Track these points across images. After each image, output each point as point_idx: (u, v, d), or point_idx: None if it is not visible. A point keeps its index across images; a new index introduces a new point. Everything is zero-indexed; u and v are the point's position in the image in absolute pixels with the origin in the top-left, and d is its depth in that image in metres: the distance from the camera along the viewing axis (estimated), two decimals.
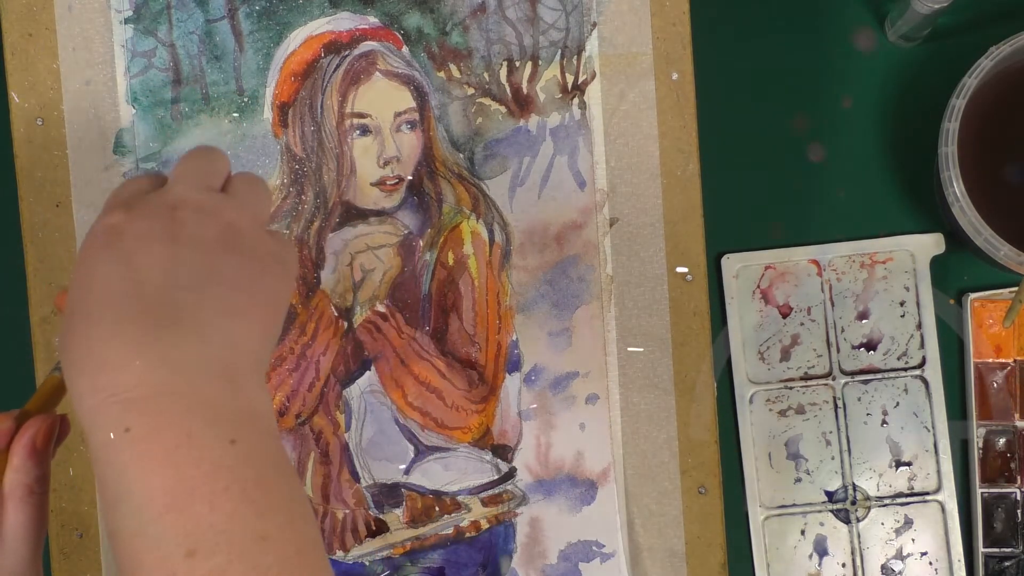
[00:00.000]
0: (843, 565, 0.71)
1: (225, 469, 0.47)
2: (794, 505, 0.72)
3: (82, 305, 0.49)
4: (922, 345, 0.72)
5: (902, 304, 0.72)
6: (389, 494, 0.69)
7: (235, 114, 0.68)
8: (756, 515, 0.71)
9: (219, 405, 0.48)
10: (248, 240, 0.52)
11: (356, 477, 0.69)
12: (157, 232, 0.50)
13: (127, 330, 0.48)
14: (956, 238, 0.70)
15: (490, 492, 0.70)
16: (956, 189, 0.65)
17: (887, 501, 0.72)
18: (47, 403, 0.54)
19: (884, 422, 0.72)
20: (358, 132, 0.69)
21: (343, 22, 0.69)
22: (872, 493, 0.72)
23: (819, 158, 0.72)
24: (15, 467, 0.53)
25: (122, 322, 0.48)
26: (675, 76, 0.69)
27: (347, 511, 0.69)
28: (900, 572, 0.71)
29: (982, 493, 0.71)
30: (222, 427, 0.48)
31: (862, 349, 0.72)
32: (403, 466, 0.69)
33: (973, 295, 0.71)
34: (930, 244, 0.71)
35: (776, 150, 0.72)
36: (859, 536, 0.72)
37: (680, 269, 0.69)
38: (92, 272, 0.50)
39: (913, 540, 0.71)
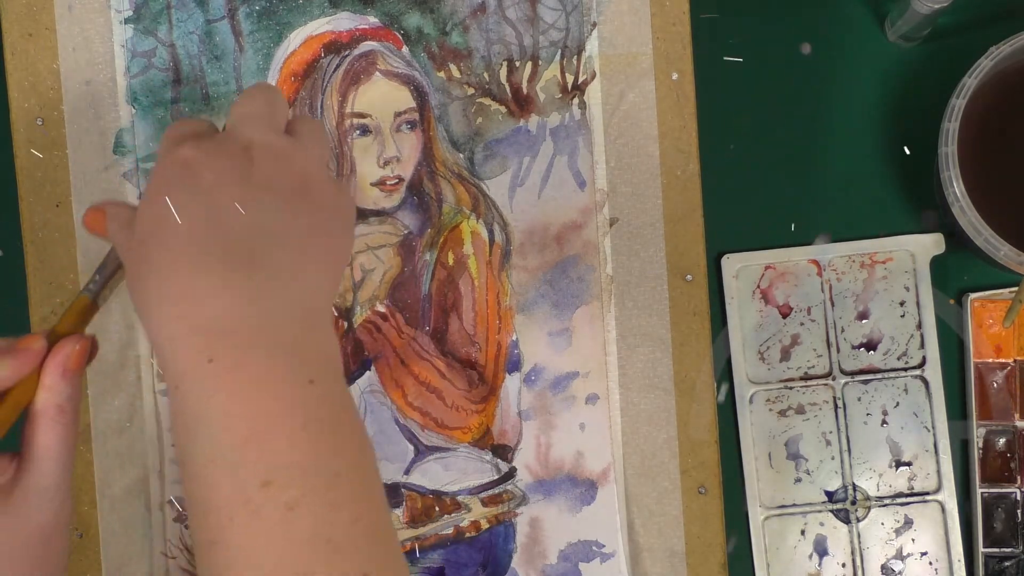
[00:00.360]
0: (843, 565, 0.71)
1: (303, 407, 0.48)
2: (794, 505, 0.72)
3: (161, 236, 0.50)
4: (922, 345, 0.72)
5: (902, 304, 0.72)
6: (389, 494, 0.69)
7: None
8: (756, 515, 0.71)
9: (299, 346, 0.49)
10: (317, 187, 0.53)
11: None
12: (235, 173, 0.51)
13: (213, 265, 0.49)
14: (956, 238, 0.70)
15: (490, 492, 0.70)
16: (956, 189, 0.65)
17: (887, 501, 0.72)
18: (77, 324, 0.55)
19: (884, 422, 0.72)
20: (358, 132, 0.69)
21: (343, 22, 0.69)
22: (872, 493, 0.72)
23: (819, 158, 0.72)
24: (47, 387, 0.53)
25: (208, 256, 0.49)
26: (675, 76, 0.69)
27: None
28: (900, 572, 0.71)
29: (982, 493, 0.71)
30: (302, 367, 0.49)
31: (862, 349, 0.72)
32: (403, 466, 0.69)
33: (973, 295, 0.71)
34: (930, 244, 0.72)
35: (776, 150, 0.72)
36: (859, 536, 0.72)
37: (687, 278, 0.69)
38: (169, 207, 0.50)
39: (913, 540, 0.71)
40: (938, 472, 0.72)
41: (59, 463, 0.53)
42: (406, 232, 0.69)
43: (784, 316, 0.72)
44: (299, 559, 0.47)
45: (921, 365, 0.72)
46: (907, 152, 0.72)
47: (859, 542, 0.72)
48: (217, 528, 0.47)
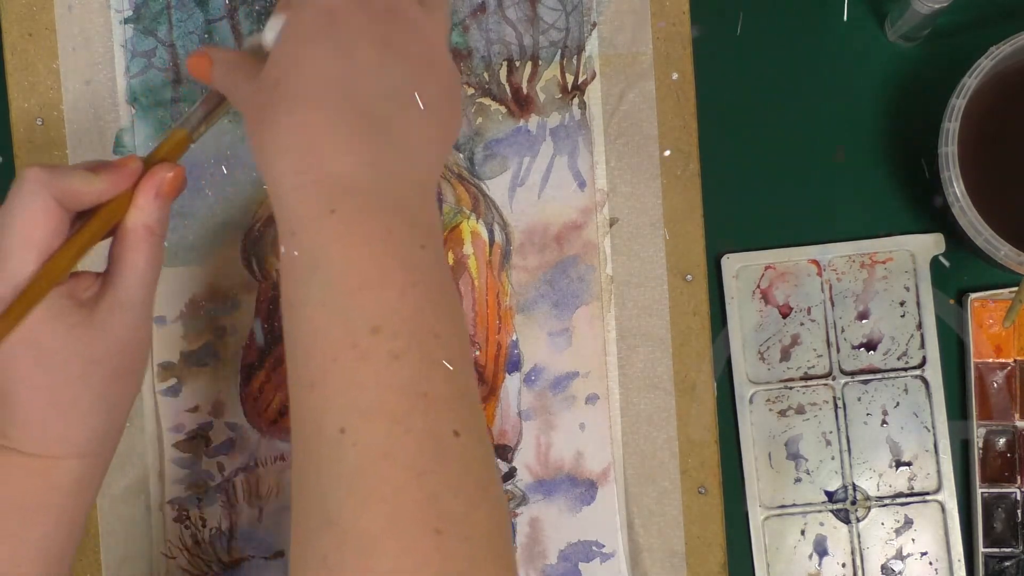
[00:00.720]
0: (843, 565, 0.71)
1: (414, 267, 0.50)
2: (794, 505, 0.72)
3: (294, 86, 0.51)
4: (922, 345, 0.72)
5: (902, 304, 0.72)
6: None
7: (235, 114, 0.68)
8: (756, 515, 0.71)
9: (414, 212, 0.51)
10: (440, 63, 0.54)
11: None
12: (376, 33, 0.52)
13: (343, 125, 0.50)
14: (956, 238, 0.70)
15: None
16: (956, 189, 0.65)
17: (887, 501, 0.72)
18: (171, 155, 0.56)
19: (884, 422, 0.72)
20: None
21: None
22: (872, 493, 0.72)
23: (819, 158, 0.72)
24: (139, 206, 0.55)
25: (341, 115, 0.50)
26: (675, 76, 0.69)
27: None
28: (900, 572, 0.71)
29: (982, 493, 0.71)
30: (416, 232, 0.51)
31: (862, 349, 0.72)
32: None
33: (973, 295, 0.71)
34: (930, 244, 0.72)
35: (776, 150, 0.72)
36: (859, 536, 0.72)
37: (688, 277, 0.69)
38: (308, 53, 0.51)
39: (913, 540, 0.71)
40: (938, 472, 0.72)
41: (143, 281, 0.55)
42: None
43: (784, 316, 0.72)
44: (397, 407, 0.48)
45: (921, 365, 0.72)
46: (907, 152, 0.72)
47: (859, 542, 0.72)
48: (320, 370, 0.48)
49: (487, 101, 0.69)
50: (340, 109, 0.51)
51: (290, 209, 0.50)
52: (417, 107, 0.52)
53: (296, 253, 0.50)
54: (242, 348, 0.69)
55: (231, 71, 0.54)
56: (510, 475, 0.70)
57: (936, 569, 0.71)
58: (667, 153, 0.68)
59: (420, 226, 0.51)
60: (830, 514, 0.72)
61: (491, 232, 0.69)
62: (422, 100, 0.52)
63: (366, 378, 0.48)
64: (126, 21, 0.68)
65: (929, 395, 0.72)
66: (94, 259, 0.56)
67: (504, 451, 0.70)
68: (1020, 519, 0.71)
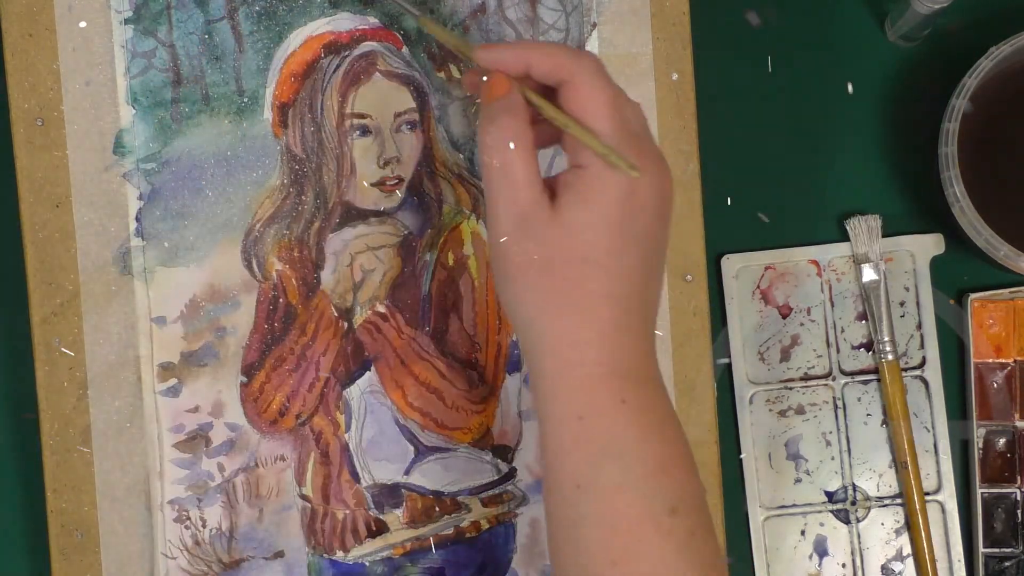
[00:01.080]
0: (843, 565, 0.71)
1: (688, 453, 0.54)
2: (794, 505, 0.72)
3: (607, 281, 0.53)
4: (922, 345, 0.72)
5: (902, 304, 0.72)
6: (389, 494, 0.69)
7: (235, 114, 0.68)
8: (756, 515, 0.71)
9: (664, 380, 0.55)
10: (667, 205, 0.56)
11: (356, 477, 0.69)
12: (657, 205, 0.54)
13: (640, 324, 0.54)
14: (956, 238, 0.70)
15: (490, 492, 0.70)
16: (956, 189, 0.65)
17: (887, 501, 0.72)
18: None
19: (884, 422, 0.72)
20: (358, 132, 0.69)
21: (343, 23, 0.69)
22: (872, 493, 0.72)
23: (819, 158, 0.72)
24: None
25: (640, 313, 0.54)
26: (675, 76, 0.69)
27: (347, 511, 0.69)
28: (900, 572, 0.71)
29: (982, 493, 0.71)
30: (674, 409, 0.55)
31: (862, 349, 0.72)
32: (403, 466, 0.69)
33: (973, 295, 0.71)
34: (930, 244, 0.72)
35: (776, 150, 0.72)
36: (859, 536, 0.72)
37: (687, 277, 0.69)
38: (628, 248, 0.53)
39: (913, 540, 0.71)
40: (938, 472, 0.72)
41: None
42: (406, 232, 0.69)
43: (784, 316, 0.72)
44: None
45: (921, 365, 0.72)
46: (907, 152, 0.72)
47: (859, 542, 0.72)
48: (623, 549, 0.52)
49: None
50: (642, 306, 0.54)
51: (577, 395, 0.53)
52: (658, 272, 0.56)
53: (584, 437, 0.53)
54: (242, 348, 0.69)
55: (531, 154, 0.54)
56: (510, 475, 0.70)
57: (936, 569, 0.71)
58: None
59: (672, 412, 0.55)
60: (830, 514, 0.72)
61: None
62: (660, 259, 0.55)
63: (671, 555, 0.52)
64: (126, 21, 0.68)
65: (929, 395, 0.72)
66: None
67: (504, 451, 0.70)
68: (1020, 519, 0.71)
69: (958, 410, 0.72)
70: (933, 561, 0.70)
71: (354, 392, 0.69)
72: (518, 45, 0.54)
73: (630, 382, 0.53)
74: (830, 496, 0.72)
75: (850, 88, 0.72)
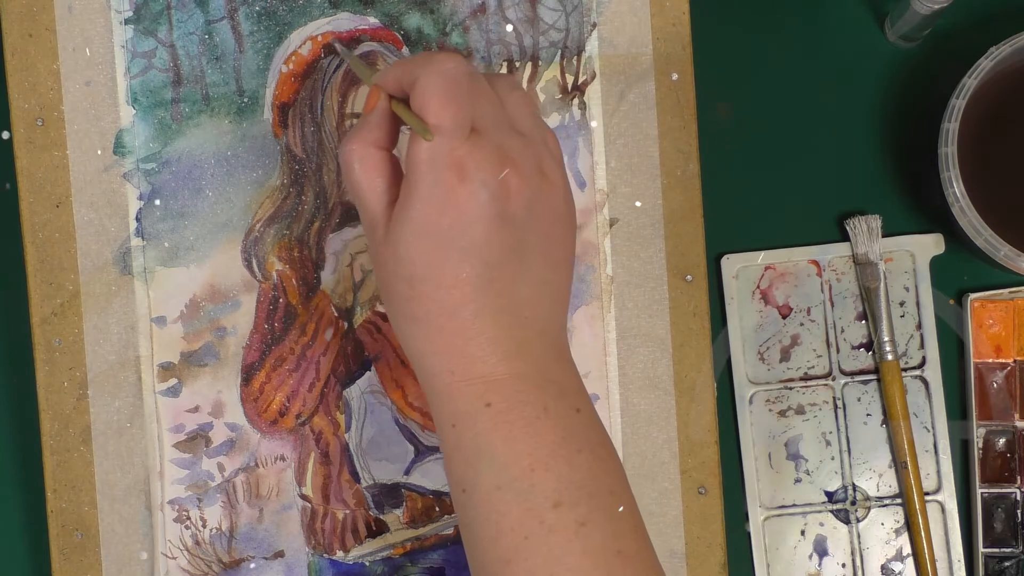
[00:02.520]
0: (843, 565, 0.71)
1: (575, 434, 0.53)
2: (794, 505, 0.72)
3: (433, 286, 0.52)
4: (922, 345, 0.72)
5: (902, 304, 0.72)
6: (389, 494, 0.69)
7: (235, 114, 0.68)
8: (756, 515, 0.71)
9: (561, 380, 0.55)
10: (560, 201, 0.56)
11: (356, 477, 0.69)
12: (496, 210, 0.53)
13: (486, 328, 0.53)
14: (956, 238, 0.70)
15: None
16: (956, 189, 0.65)
17: (887, 501, 0.72)
18: None
19: (884, 422, 0.72)
20: None
21: (343, 23, 0.69)
22: (872, 493, 0.72)
23: (819, 158, 0.72)
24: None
25: (481, 318, 0.53)
26: (675, 76, 0.69)
27: (347, 511, 0.69)
28: (900, 572, 0.71)
29: (982, 493, 0.71)
30: (568, 399, 0.54)
31: (862, 349, 0.72)
32: (403, 466, 0.69)
33: (973, 295, 0.71)
34: (930, 244, 0.72)
35: (776, 150, 0.72)
36: (859, 536, 0.72)
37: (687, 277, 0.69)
38: (451, 259, 0.52)
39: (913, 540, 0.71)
40: (938, 472, 0.72)
41: None
42: None
43: (784, 316, 0.72)
44: (596, 570, 0.52)
45: (921, 365, 0.72)
46: (907, 152, 0.72)
47: (859, 542, 0.72)
48: (511, 548, 0.52)
49: None
50: (483, 314, 0.53)
51: (445, 404, 0.53)
52: (545, 272, 0.55)
53: (457, 444, 0.53)
54: (242, 348, 0.69)
55: (377, 175, 0.55)
56: None
57: (936, 569, 0.71)
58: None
59: (568, 390, 0.55)
60: (830, 514, 0.72)
61: None
62: (546, 261, 0.55)
63: (560, 549, 0.52)
64: (126, 22, 0.69)
65: (929, 395, 0.72)
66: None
67: None
68: (1020, 519, 0.71)
69: (958, 410, 0.72)
70: (933, 561, 0.70)
71: (354, 392, 0.69)
72: (396, 64, 0.55)
73: (493, 385, 0.53)
74: (830, 496, 0.72)
75: (850, 88, 0.72)
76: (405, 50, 0.69)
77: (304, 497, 0.69)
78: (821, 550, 0.72)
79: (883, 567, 0.72)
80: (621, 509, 0.53)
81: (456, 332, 0.53)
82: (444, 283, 0.52)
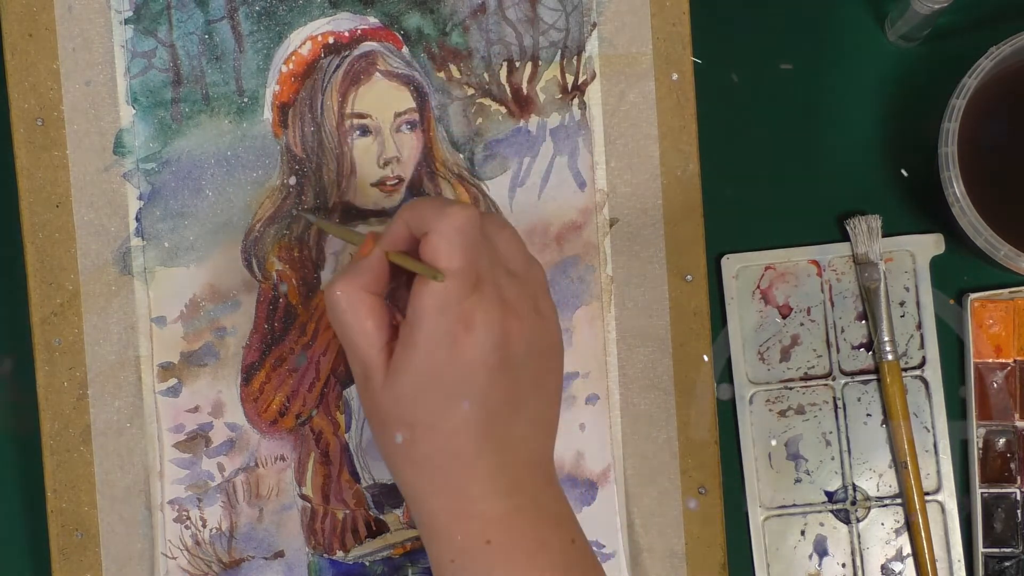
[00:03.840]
0: (843, 565, 0.71)
1: (573, 566, 0.55)
2: (794, 505, 0.72)
3: (438, 439, 0.54)
4: (922, 345, 0.72)
5: (902, 304, 0.72)
6: (389, 494, 0.69)
7: (235, 114, 0.68)
8: (756, 515, 0.71)
9: (556, 511, 0.56)
10: (553, 336, 0.58)
11: (356, 477, 0.69)
12: (498, 357, 0.54)
13: (485, 468, 0.54)
14: (956, 238, 0.70)
15: None
16: (956, 189, 0.65)
17: (887, 501, 0.72)
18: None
19: (884, 422, 0.72)
20: (358, 132, 0.69)
21: (343, 22, 0.69)
22: (872, 493, 0.72)
23: (819, 158, 0.72)
24: None
25: (481, 459, 0.54)
26: (675, 76, 0.69)
27: (347, 511, 0.69)
28: (900, 572, 0.71)
29: (982, 493, 0.71)
30: (564, 529, 0.56)
31: (862, 349, 0.72)
32: None
33: (973, 295, 0.71)
34: (930, 244, 0.72)
35: (776, 150, 0.72)
36: (859, 536, 0.72)
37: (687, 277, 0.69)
38: (445, 406, 0.53)
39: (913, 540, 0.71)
40: (938, 472, 0.72)
41: None
42: None
43: (784, 316, 0.72)
44: None
45: (921, 365, 0.72)
46: (907, 153, 0.72)
47: (859, 542, 0.72)
48: None
49: (487, 102, 0.69)
50: (483, 453, 0.54)
51: (444, 541, 0.54)
52: (538, 404, 0.56)
53: (465, 572, 0.54)
54: (242, 348, 0.69)
55: (367, 318, 0.55)
56: None
57: (936, 569, 0.71)
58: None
59: (563, 520, 0.56)
60: (830, 514, 0.72)
61: None
62: (541, 392, 0.56)
63: None
64: (126, 22, 0.69)
65: (929, 395, 0.72)
66: None
67: None
68: (1020, 519, 0.71)
69: (958, 410, 0.72)
70: (933, 561, 0.70)
71: (354, 392, 0.69)
72: (404, 209, 0.56)
73: (492, 522, 0.54)
74: (830, 496, 0.72)
75: (850, 88, 0.72)
76: (405, 50, 0.69)
77: (304, 497, 0.69)
78: (821, 550, 0.72)
79: (883, 567, 0.72)
80: None
81: (456, 473, 0.54)
82: (446, 429, 0.53)
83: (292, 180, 0.69)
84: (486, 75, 0.69)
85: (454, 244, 0.52)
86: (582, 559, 0.56)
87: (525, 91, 0.69)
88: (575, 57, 0.69)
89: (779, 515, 0.72)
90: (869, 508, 0.72)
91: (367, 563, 0.69)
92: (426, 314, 0.53)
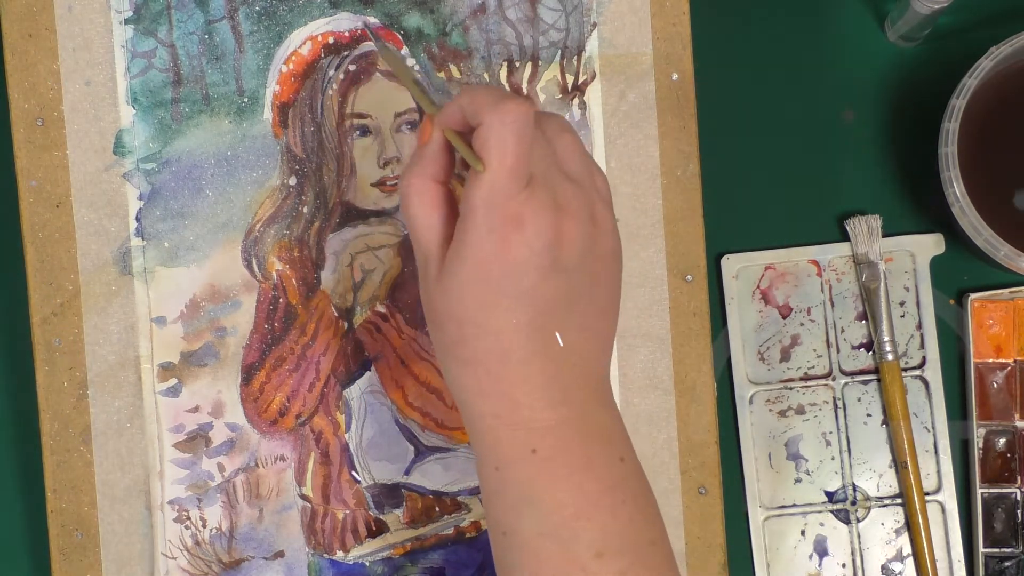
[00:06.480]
0: (843, 565, 0.72)
1: (619, 484, 0.54)
2: (794, 505, 0.72)
3: (486, 338, 0.52)
4: (922, 345, 0.72)
5: (902, 304, 0.72)
6: (389, 494, 0.69)
7: (235, 114, 0.68)
8: (756, 515, 0.71)
9: (606, 428, 0.55)
10: (610, 246, 0.55)
11: (356, 478, 0.69)
12: (549, 259, 0.52)
13: (533, 374, 0.53)
14: (956, 238, 0.70)
15: None
16: (956, 189, 0.65)
17: (887, 501, 0.72)
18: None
19: (884, 422, 0.72)
20: (358, 132, 0.69)
21: (343, 22, 0.69)
22: (872, 493, 0.72)
23: (819, 158, 0.72)
24: None
25: (529, 365, 0.52)
26: (675, 76, 0.69)
27: (347, 511, 0.69)
28: (900, 572, 0.71)
29: (982, 493, 0.71)
30: (612, 447, 0.54)
31: (862, 349, 0.72)
32: (403, 466, 0.69)
33: (973, 295, 0.71)
34: (930, 244, 0.72)
35: (776, 150, 0.72)
36: (859, 536, 0.72)
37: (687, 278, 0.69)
38: (493, 304, 0.52)
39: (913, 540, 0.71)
40: (938, 472, 0.72)
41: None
42: (406, 233, 0.69)
43: (784, 316, 0.72)
44: None
45: (921, 365, 0.72)
46: (907, 152, 0.72)
47: (859, 542, 0.72)
48: None
49: None
50: (532, 358, 0.52)
51: (489, 447, 0.53)
52: (594, 319, 0.54)
53: (502, 487, 0.53)
54: (242, 348, 0.69)
55: (435, 211, 0.54)
56: None
57: (936, 569, 0.71)
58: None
59: (612, 438, 0.54)
60: (830, 514, 0.72)
61: None
62: (596, 305, 0.54)
63: None
64: (126, 22, 0.69)
65: (929, 395, 0.72)
66: None
67: None
68: (1020, 519, 0.71)
69: (958, 410, 0.72)
70: (933, 561, 0.70)
71: (354, 392, 0.69)
72: (462, 93, 0.54)
73: (538, 432, 0.53)
74: (830, 496, 0.72)
75: (850, 88, 0.72)
76: (405, 50, 0.69)
77: (304, 497, 0.69)
78: (821, 550, 0.72)
79: (883, 567, 0.72)
80: (660, 557, 0.54)
81: (503, 377, 0.52)
82: (494, 328, 0.52)
83: (292, 180, 0.69)
84: (486, 75, 0.69)
85: (505, 139, 0.51)
86: (629, 478, 0.54)
87: (525, 91, 0.69)
88: (575, 57, 0.69)
89: (779, 515, 0.72)
90: (869, 508, 0.72)
91: (367, 563, 0.69)
92: (475, 207, 0.51)
